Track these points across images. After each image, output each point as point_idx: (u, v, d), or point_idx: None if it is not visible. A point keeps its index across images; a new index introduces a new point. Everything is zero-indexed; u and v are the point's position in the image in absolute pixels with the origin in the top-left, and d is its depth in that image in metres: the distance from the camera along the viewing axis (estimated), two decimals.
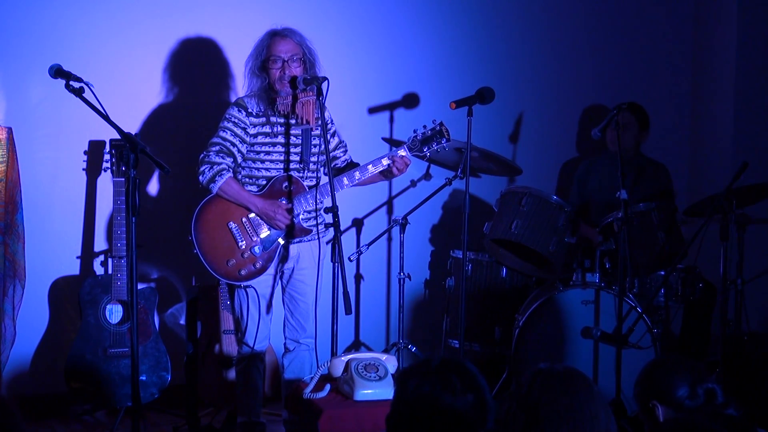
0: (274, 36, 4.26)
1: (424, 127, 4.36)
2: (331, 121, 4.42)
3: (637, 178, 5.27)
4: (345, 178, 4.30)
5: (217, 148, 4.22)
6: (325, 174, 4.31)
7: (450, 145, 4.42)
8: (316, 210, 4.32)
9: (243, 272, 4.23)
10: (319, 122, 4.23)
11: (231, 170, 4.22)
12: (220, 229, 4.23)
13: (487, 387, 2.31)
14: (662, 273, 4.91)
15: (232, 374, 4.72)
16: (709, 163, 5.99)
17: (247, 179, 4.29)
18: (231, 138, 4.22)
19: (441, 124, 4.36)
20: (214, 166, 4.19)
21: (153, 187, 5.12)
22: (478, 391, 2.26)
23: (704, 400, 2.82)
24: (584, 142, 5.83)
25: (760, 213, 5.13)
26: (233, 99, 4.77)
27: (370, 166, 4.33)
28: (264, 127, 4.26)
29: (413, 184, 5.25)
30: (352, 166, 4.43)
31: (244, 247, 4.23)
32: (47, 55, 4.47)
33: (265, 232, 4.26)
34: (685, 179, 6.05)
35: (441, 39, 5.58)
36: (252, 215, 4.24)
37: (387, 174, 4.38)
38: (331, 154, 4.39)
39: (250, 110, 4.24)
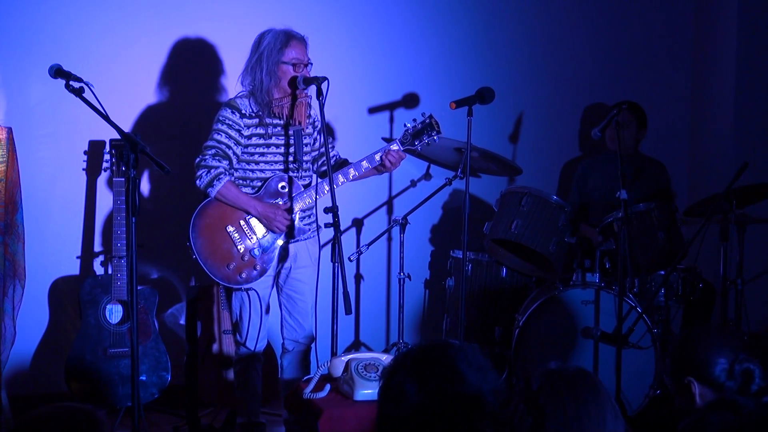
0: (293, 38, 4.19)
1: (414, 120, 4.36)
2: (319, 119, 4.39)
3: (635, 177, 5.27)
4: (340, 176, 4.28)
5: (213, 151, 4.19)
6: (314, 172, 4.31)
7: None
8: (315, 208, 4.32)
9: (243, 275, 4.22)
10: (311, 121, 4.23)
11: (228, 173, 4.21)
12: (218, 233, 4.22)
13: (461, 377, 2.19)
14: (662, 273, 4.91)
15: (231, 374, 4.72)
16: (709, 163, 5.99)
17: (241, 181, 4.26)
18: (226, 140, 4.19)
19: (430, 116, 4.35)
20: (212, 170, 4.17)
21: (153, 187, 5.12)
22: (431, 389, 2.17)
23: (741, 381, 2.48)
24: (586, 142, 5.84)
25: (760, 213, 5.12)
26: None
27: (364, 162, 4.32)
28: (257, 129, 4.23)
29: (413, 184, 5.24)
30: (342, 163, 4.43)
31: (243, 250, 4.22)
32: (47, 55, 4.47)
33: (263, 234, 4.25)
34: (685, 179, 6.05)
35: (441, 39, 5.58)
36: (249, 218, 4.23)
37: (380, 168, 4.38)
38: (319, 152, 4.40)
39: (243, 111, 4.20)
